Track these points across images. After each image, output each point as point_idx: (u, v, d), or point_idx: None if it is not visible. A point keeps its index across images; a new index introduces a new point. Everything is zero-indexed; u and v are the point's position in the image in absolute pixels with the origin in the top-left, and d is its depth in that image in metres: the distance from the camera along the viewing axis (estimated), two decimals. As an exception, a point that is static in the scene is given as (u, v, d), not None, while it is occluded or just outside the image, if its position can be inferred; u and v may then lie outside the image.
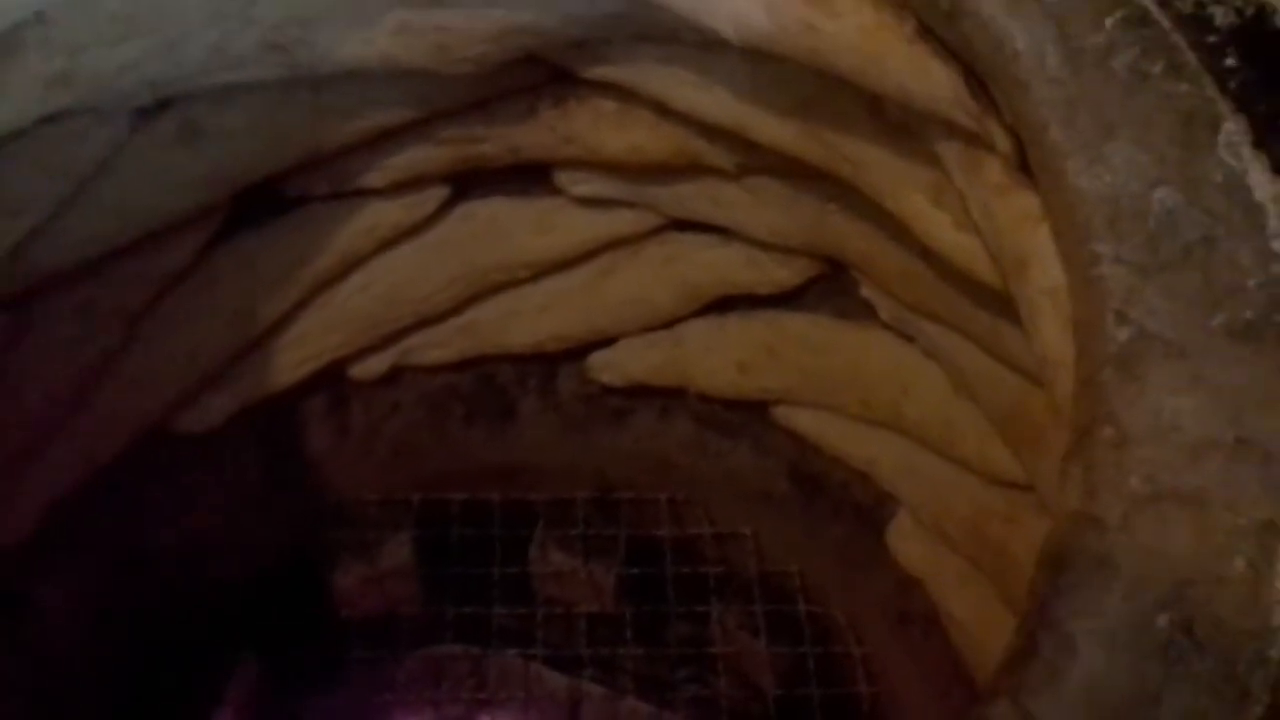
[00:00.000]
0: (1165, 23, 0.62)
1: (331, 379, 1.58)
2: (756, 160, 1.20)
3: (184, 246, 1.31)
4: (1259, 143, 0.58)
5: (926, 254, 1.04)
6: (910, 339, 1.32)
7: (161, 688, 1.51)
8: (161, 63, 1.04)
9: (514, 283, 1.51)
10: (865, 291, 1.34)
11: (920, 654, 1.49)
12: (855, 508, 1.57)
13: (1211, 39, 0.62)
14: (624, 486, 1.72)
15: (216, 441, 1.52)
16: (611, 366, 1.59)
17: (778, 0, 0.78)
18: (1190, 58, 0.61)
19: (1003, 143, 0.71)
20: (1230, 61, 0.61)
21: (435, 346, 1.58)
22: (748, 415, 1.60)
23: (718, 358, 1.53)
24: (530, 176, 1.41)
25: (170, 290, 1.34)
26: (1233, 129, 0.58)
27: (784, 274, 1.40)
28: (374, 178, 1.34)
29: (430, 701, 1.62)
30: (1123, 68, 0.61)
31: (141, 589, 1.51)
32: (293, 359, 1.50)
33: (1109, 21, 0.63)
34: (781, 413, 1.55)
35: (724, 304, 1.51)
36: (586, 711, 1.61)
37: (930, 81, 0.74)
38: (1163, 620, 0.46)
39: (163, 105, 1.15)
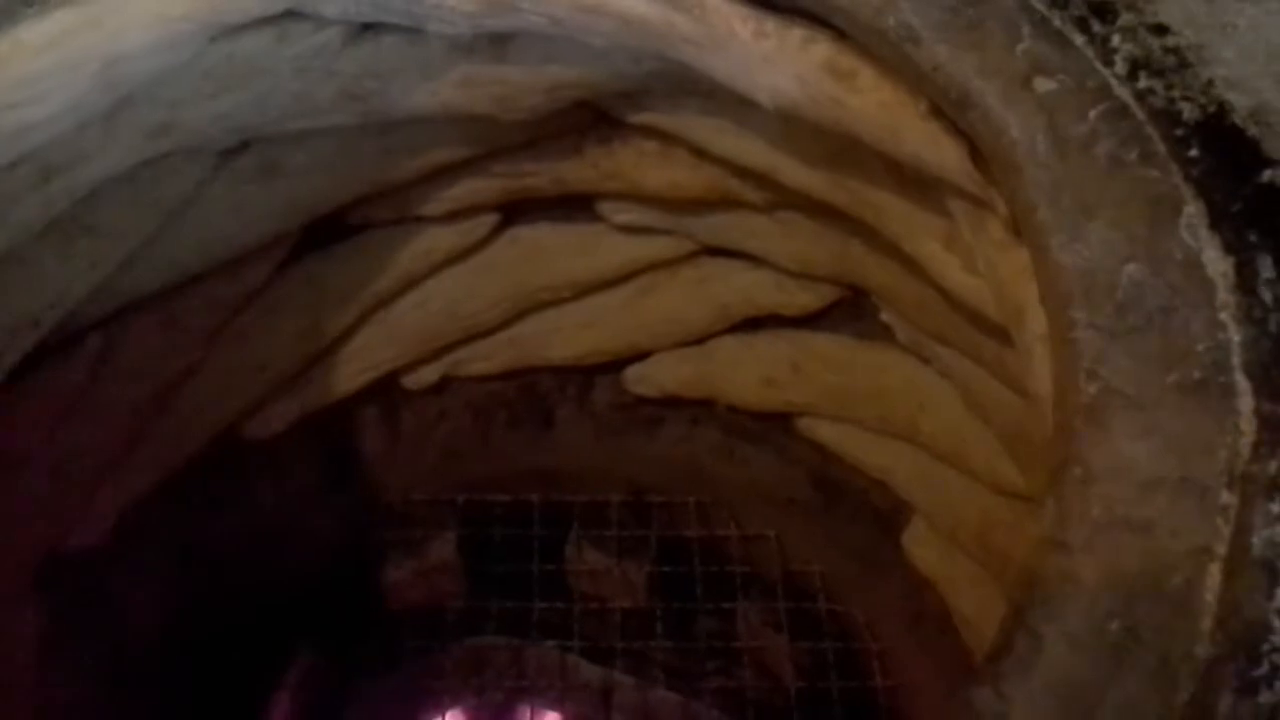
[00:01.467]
0: (1140, 115, 0.70)
1: (385, 388, 1.65)
2: (785, 198, 1.26)
3: (258, 270, 1.39)
4: (1214, 225, 0.66)
5: (939, 288, 1.11)
6: (926, 360, 1.36)
7: (225, 674, 1.56)
8: (250, 112, 1.13)
9: (557, 301, 1.58)
10: (884, 316, 1.39)
11: (933, 650, 1.52)
12: (873, 513, 1.60)
13: (1179, 131, 0.70)
14: (655, 490, 1.76)
15: (279, 446, 1.58)
16: (646, 379, 1.65)
17: (808, 76, 0.87)
18: (1161, 148, 0.69)
19: (1002, 208, 0.79)
20: (1194, 152, 0.69)
21: (482, 359, 1.65)
22: (773, 426, 1.64)
23: (746, 372, 1.58)
24: (574, 205, 1.47)
25: (244, 309, 1.42)
26: (1192, 212, 0.66)
27: (809, 298, 1.46)
28: (431, 207, 1.42)
29: (473, 689, 1.66)
30: (1103, 155, 0.69)
31: (208, 583, 1.57)
32: (351, 370, 1.57)
33: (1092, 114, 0.71)
34: (805, 424, 1.60)
35: (752, 323, 1.55)
36: (619, 701, 1.65)
37: (940, 153, 0.83)
38: (1114, 625, 0.55)
39: (244, 145, 1.24)
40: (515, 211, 1.50)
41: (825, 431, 1.59)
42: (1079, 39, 0.75)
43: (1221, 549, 0.57)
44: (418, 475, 1.75)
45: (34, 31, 0.84)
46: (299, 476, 1.65)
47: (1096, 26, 0.76)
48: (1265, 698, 0.55)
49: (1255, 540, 0.58)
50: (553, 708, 1.67)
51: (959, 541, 1.40)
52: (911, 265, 1.13)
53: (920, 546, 1.52)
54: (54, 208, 1.07)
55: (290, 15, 1.03)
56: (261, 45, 1.05)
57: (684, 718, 1.63)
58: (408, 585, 1.71)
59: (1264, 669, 0.55)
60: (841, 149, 1.06)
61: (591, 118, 1.32)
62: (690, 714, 1.64)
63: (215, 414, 1.49)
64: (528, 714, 1.66)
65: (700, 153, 1.26)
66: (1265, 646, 0.56)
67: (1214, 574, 0.57)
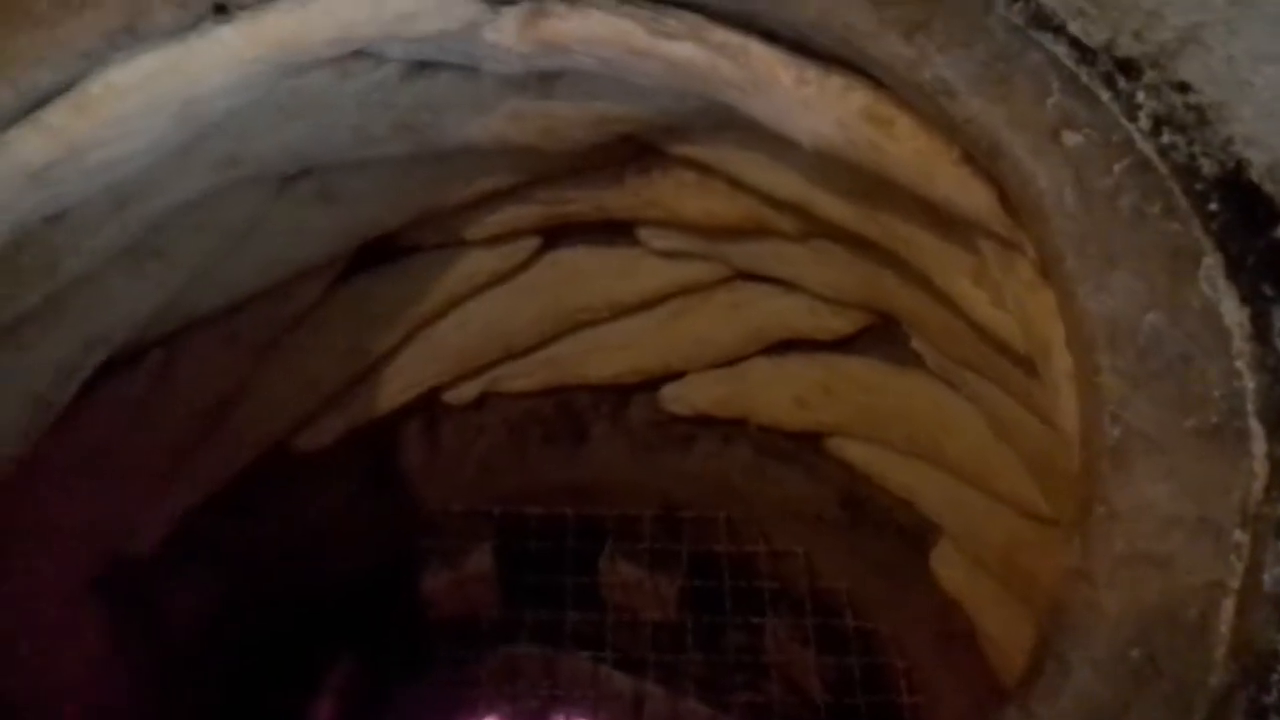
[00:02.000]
0: (1163, 170, 0.74)
1: (427, 403, 1.69)
2: (818, 228, 1.30)
3: (311, 289, 1.44)
4: (1231, 275, 0.70)
5: (968, 320, 1.15)
6: (954, 386, 1.39)
7: (269, 679, 1.61)
8: (312, 142, 1.18)
9: (595, 322, 1.62)
10: (914, 343, 1.42)
11: (959, 668, 1.54)
12: (900, 531, 1.62)
13: (1199, 186, 0.73)
14: (687, 506, 1.79)
15: (323, 458, 1.62)
16: (680, 398, 1.69)
17: (847, 121, 0.91)
18: (1182, 201, 0.72)
19: (1030, 251, 0.83)
20: (1213, 206, 0.73)
21: (521, 376, 1.70)
22: (803, 445, 1.67)
23: (777, 393, 1.62)
24: (614, 229, 1.51)
25: (296, 327, 1.47)
26: (1211, 263, 0.70)
27: (840, 323, 1.49)
28: (475, 231, 1.47)
29: (507, 697, 1.70)
30: (1127, 207, 0.73)
31: (253, 591, 1.61)
32: (395, 387, 1.62)
33: (1117, 167, 0.75)
34: (834, 444, 1.63)
35: (785, 345, 1.59)
36: (649, 712, 1.69)
37: (972, 197, 0.87)
38: (1134, 652, 0.60)
39: (304, 172, 1.29)
40: (556, 235, 1.54)
41: (854, 452, 1.62)
42: (1105, 95, 0.79)
43: (1235, 584, 0.61)
44: (456, 488, 1.79)
45: (122, 75, 0.89)
46: (342, 488, 1.70)
47: (1122, 83, 0.80)
48: (1274, 722, 0.59)
49: (1266, 577, 0.62)
50: (585, 717, 1.71)
51: (984, 562, 1.43)
52: (941, 297, 1.16)
53: (947, 567, 1.54)
54: (128, 234, 1.12)
55: (353, 54, 1.08)
56: (325, 81, 1.10)
57: (713, 729, 1.66)
58: (444, 594, 1.75)
59: (1273, 696, 0.60)
60: (874, 185, 1.09)
61: (633, 149, 1.36)
62: (719, 725, 1.66)
63: (268, 427, 1.54)
64: (560, 722, 1.69)
65: (737, 184, 1.30)
66: (1274, 676, 0.60)
67: (1228, 607, 0.61)
